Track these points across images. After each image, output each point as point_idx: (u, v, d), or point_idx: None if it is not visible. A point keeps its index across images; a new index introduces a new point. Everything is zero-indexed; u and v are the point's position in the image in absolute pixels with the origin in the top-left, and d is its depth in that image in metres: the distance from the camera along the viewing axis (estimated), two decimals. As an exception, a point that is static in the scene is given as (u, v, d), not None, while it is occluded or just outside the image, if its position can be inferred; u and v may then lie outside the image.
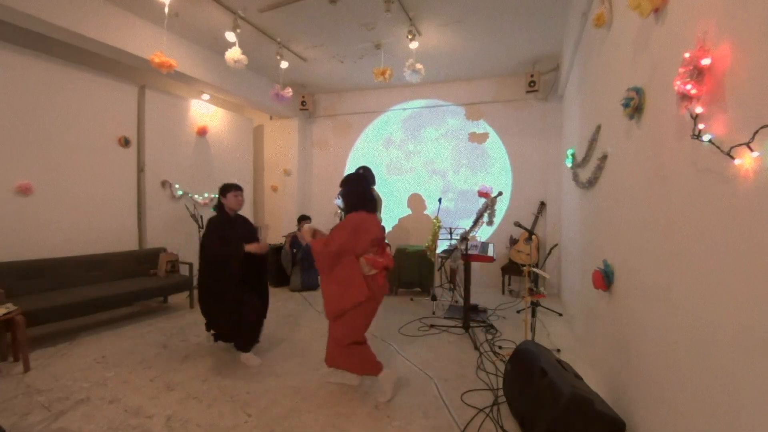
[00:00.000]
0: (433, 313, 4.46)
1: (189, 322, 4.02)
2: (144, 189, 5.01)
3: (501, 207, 5.77)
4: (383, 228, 2.69)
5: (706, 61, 1.18)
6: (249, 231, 3.19)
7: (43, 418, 2.23)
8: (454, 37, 4.59)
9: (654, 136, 1.70)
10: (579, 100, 3.78)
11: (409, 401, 2.47)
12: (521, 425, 2.13)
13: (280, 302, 4.87)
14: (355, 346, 2.54)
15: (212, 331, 3.30)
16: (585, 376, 2.18)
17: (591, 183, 2.96)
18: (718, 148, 1.10)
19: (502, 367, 2.83)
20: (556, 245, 5.26)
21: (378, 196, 4.71)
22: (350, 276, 2.42)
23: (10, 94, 3.73)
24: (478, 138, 6.13)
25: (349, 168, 6.77)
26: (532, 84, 5.35)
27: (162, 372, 2.85)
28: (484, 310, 4.46)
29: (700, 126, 1.19)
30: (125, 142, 4.78)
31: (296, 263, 5.56)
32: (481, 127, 6.11)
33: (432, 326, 3.94)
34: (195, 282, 4.75)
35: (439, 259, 4.69)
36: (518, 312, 4.47)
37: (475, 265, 5.65)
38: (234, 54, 3.81)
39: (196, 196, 5.68)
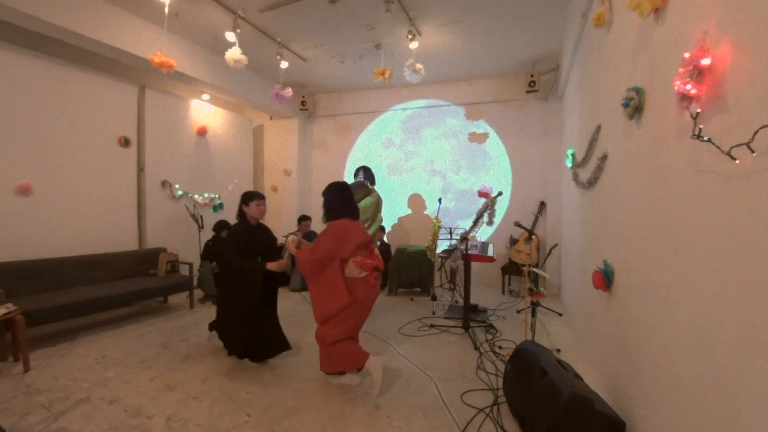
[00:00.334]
0: (433, 313, 4.46)
1: (189, 322, 4.02)
2: (144, 189, 5.01)
3: (501, 207, 5.76)
4: (367, 232, 2.76)
5: (706, 61, 1.18)
6: (270, 242, 3.11)
7: (43, 418, 2.22)
8: (454, 37, 4.59)
9: (654, 136, 1.70)
10: (579, 100, 3.78)
11: (409, 401, 2.47)
12: (521, 425, 2.13)
13: (281, 302, 4.85)
14: (339, 342, 2.60)
15: (213, 331, 3.30)
16: (585, 376, 2.18)
17: (591, 183, 2.96)
18: (718, 148, 1.10)
19: (502, 367, 2.83)
20: (556, 245, 5.26)
21: (378, 196, 4.72)
22: (334, 281, 2.53)
23: (10, 94, 3.73)
24: (478, 138, 6.13)
25: (349, 168, 6.78)
26: (532, 84, 5.35)
27: (162, 372, 2.85)
28: (484, 310, 4.46)
29: (700, 126, 1.19)
30: (125, 142, 4.78)
31: (295, 264, 5.55)
32: (481, 127, 6.11)
33: (432, 326, 3.94)
34: (195, 282, 4.77)
35: (439, 259, 4.69)
36: (518, 312, 4.47)
37: (475, 265, 5.64)
38: (234, 54, 3.81)
39: (196, 196, 5.68)
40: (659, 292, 1.60)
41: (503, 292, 5.52)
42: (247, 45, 4.47)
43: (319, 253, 2.51)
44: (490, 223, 4.22)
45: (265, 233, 3.13)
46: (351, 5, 3.87)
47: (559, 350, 3.22)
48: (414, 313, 4.46)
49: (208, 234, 5.19)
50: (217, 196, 6.02)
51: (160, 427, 2.16)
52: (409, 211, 6.54)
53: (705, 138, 1.15)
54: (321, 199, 2.77)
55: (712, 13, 1.21)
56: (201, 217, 5.36)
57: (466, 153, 6.20)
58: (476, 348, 3.32)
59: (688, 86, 1.22)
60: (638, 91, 1.85)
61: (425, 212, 6.42)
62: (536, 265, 5.11)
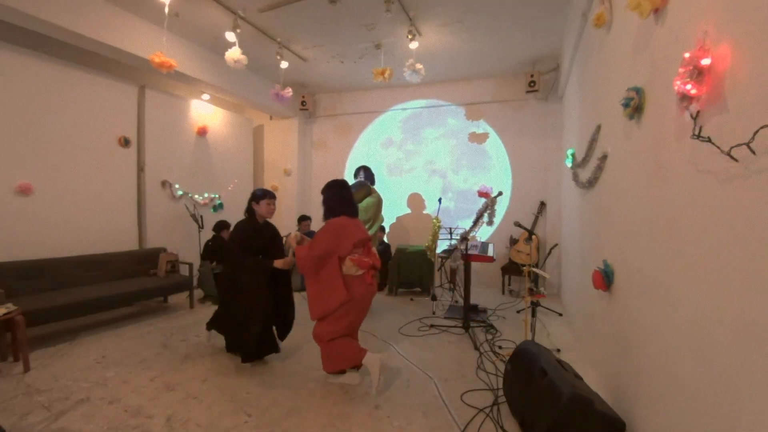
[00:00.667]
0: (433, 313, 4.45)
1: (189, 322, 4.02)
2: (144, 189, 5.01)
3: (501, 207, 5.76)
4: (365, 230, 2.77)
5: (706, 61, 1.18)
6: (275, 240, 3.11)
7: (43, 418, 2.22)
8: (454, 37, 4.59)
9: (654, 136, 1.70)
10: (579, 100, 3.78)
11: (409, 401, 2.47)
12: (521, 425, 2.13)
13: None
14: (337, 340, 2.60)
15: (212, 330, 3.30)
16: (585, 376, 2.18)
17: (591, 183, 2.96)
18: (718, 148, 1.10)
19: (502, 367, 2.83)
20: (556, 245, 5.26)
21: (378, 196, 4.71)
22: (331, 278, 2.54)
23: (10, 94, 3.73)
24: (478, 138, 6.13)
25: (349, 168, 6.78)
26: (532, 84, 5.35)
27: (162, 372, 2.85)
28: (484, 310, 4.46)
29: (700, 126, 1.19)
30: (125, 142, 4.78)
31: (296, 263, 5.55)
32: (481, 127, 6.11)
33: (432, 326, 3.94)
34: (195, 282, 4.77)
35: (439, 259, 4.69)
36: (518, 312, 4.47)
37: (475, 265, 5.64)
38: (234, 54, 3.81)
39: (196, 196, 5.68)
40: (659, 291, 1.60)
41: (503, 292, 5.52)
42: (247, 45, 4.47)
43: (317, 250, 2.52)
44: (490, 223, 4.23)
45: (271, 231, 3.12)
46: (351, 5, 3.87)
47: (559, 350, 3.22)
48: (414, 313, 4.46)
49: (208, 234, 5.19)
50: (217, 196, 6.02)
51: (160, 427, 2.16)
52: (409, 211, 6.54)
53: (705, 138, 1.15)
54: (320, 199, 2.78)
55: (712, 13, 1.21)
56: (201, 217, 5.36)
57: (466, 153, 6.20)
58: (476, 348, 3.32)
59: (688, 86, 1.22)
60: (638, 91, 1.85)
61: (424, 211, 6.43)
62: (536, 265, 5.11)
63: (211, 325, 3.27)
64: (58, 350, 3.21)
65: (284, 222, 6.86)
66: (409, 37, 4.14)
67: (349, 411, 2.35)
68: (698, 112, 1.22)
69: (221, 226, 4.98)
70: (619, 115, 2.12)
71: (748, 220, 1.01)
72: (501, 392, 2.49)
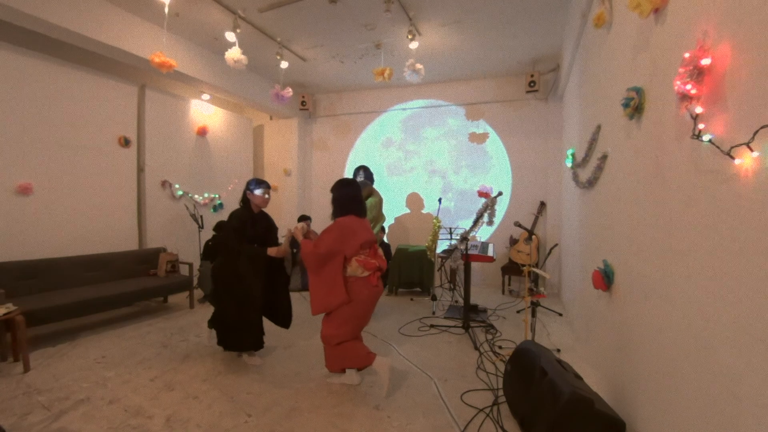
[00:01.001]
0: (433, 313, 4.46)
1: (189, 322, 4.02)
2: (144, 189, 5.01)
3: (501, 207, 5.77)
4: (372, 231, 2.76)
5: (706, 61, 1.18)
6: (269, 230, 3.14)
7: (43, 418, 2.22)
8: (454, 37, 4.59)
9: (654, 137, 1.70)
10: (579, 100, 3.78)
11: (409, 401, 2.47)
12: (521, 425, 2.13)
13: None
14: (345, 343, 2.60)
15: (213, 329, 3.30)
16: (585, 376, 2.18)
17: (591, 183, 2.96)
18: (718, 148, 1.10)
19: (502, 367, 2.83)
20: (556, 245, 5.26)
21: (379, 196, 4.71)
22: (333, 279, 2.52)
23: (10, 94, 3.73)
24: (478, 138, 6.13)
25: (349, 168, 6.78)
26: (532, 84, 5.35)
27: (162, 372, 2.85)
28: (484, 310, 4.46)
29: (700, 126, 1.19)
30: (125, 142, 4.78)
31: (296, 263, 5.56)
32: (481, 127, 6.12)
33: (432, 326, 3.94)
34: (195, 282, 4.77)
35: (439, 259, 4.69)
36: (518, 312, 4.47)
37: (475, 265, 5.65)
38: (234, 54, 3.81)
39: (196, 196, 5.68)
40: (659, 291, 1.60)
41: (503, 292, 5.52)
42: (247, 45, 4.47)
43: (322, 248, 2.50)
44: (490, 223, 4.22)
45: (266, 221, 3.14)
46: (351, 5, 3.87)
47: (559, 350, 3.22)
48: (414, 313, 4.46)
49: (208, 234, 5.19)
50: (217, 196, 6.02)
51: (160, 427, 2.16)
52: (409, 211, 6.54)
53: (705, 138, 1.15)
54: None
55: (712, 13, 1.21)
56: (201, 217, 5.36)
57: (466, 153, 6.20)
58: (476, 348, 3.32)
59: (688, 86, 1.22)
60: (638, 91, 1.85)
61: (423, 211, 6.42)
62: (536, 265, 5.11)
63: (212, 323, 3.26)
64: (58, 350, 3.21)
65: (284, 222, 6.86)
66: (409, 37, 4.14)
67: (349, 411, 2.35)
68: (698, 112, 1.22)
69: (221, 226, 4.98)
70: (619, 115, 2.12)
71: (748, 220, 1.01)
72: (501, 392, 2.50)
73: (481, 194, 4.50)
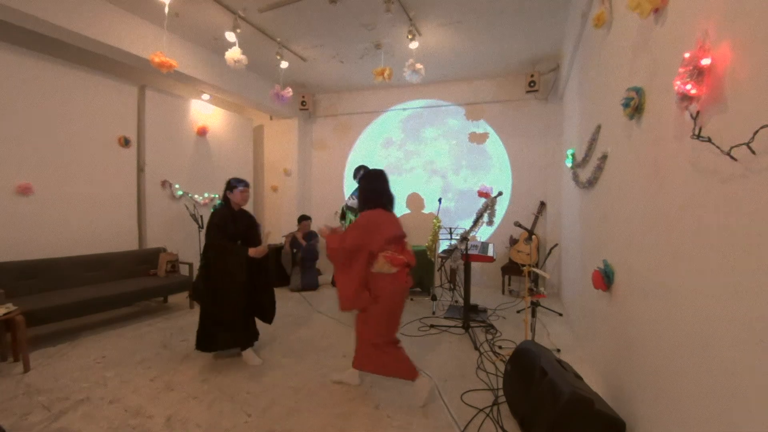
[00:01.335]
0: (433, 313, 4.45)
1: (189, 322, 4.01)
2: (144, 189, 5.01)
3: (501, 207, 5.77)
4: (401, 226, 2.59)
5: (706, 61, 1.18)
6: (250, 227, 3.19)
7: (43, 418, 2.22)
8: (454, 37, 4.59)
9: (654, 136, 1.70)
10: (579, 100, 3.78)
11: (410, 401, 2.47)
12: (521, 425, 2.13)
13: (280, 302, 4.84)
14: (390, 346, 2.51)
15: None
16: (585, 376, 2.18)
17: (591, 183, 2.96)
18: (718, 148, 1.10)
19: (502, 367, 2.83)
20: (556, 245, 5.26)
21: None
22: (360, 276, 2.40)
23: (11, 94, 3.73)
24: (478, 138, 6.13)
25: (349, 168, 6.77)
26: (532, 84, 5.35)
27: (162, 372, 2.85)
28: (484, 310, 4.46)
29: (700, 126, 1.19)
30: (125, 142, 4.78)
31: (296, 263, 5.56)
32: (481, 127, 6.12)
33: (432, 326, 3.94)
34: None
35: (439, 259, 4.69)
36: (518, 312, 4.47)
37: (475, 265, 5.65)
38: (234, 54, 3.81)
39: (196, 196, 5.68)
40: (659, 291, 1.60)
41: (503, 292, 5.52)
42: (247, 45, 4.47)
43: (348, 243, 2.37)
44: (490, 223, 4.22)
45: (247, 219, 3.20)
46: (351, 5, 3.87)
47: (559, 350, 3.22)
48: (414, 313, 4.46)
49: (208, 234, 5.19)
50: (217, 196, 6.02)
51: (160, 427, 2.16)
52: (409, 211, 6.54)
53: (705, 138, 1.15)
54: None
55: (712, 13, 1.21)
56: (201, 217, 5.36)
57: (466, 153, 6.20)
58: (476, 348, 3.32)
59: (688, 86, 1.22)
60: (638, 91, 1.85)
61: (424, 212, 6.42)
62: (536, 265, 5.11)
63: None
64: (58, 350, 3.21)
65: (284, 222, 6.87)
66: (409, 37, 4.14)
67: (349, 411, 2.35)
68: (698, 112, 1.22)
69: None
70: (619, 115, 2.12)
71: (748, 220, 1.01)
72: (501, 392, 2.50)
73: (481, 194, 4.50)
